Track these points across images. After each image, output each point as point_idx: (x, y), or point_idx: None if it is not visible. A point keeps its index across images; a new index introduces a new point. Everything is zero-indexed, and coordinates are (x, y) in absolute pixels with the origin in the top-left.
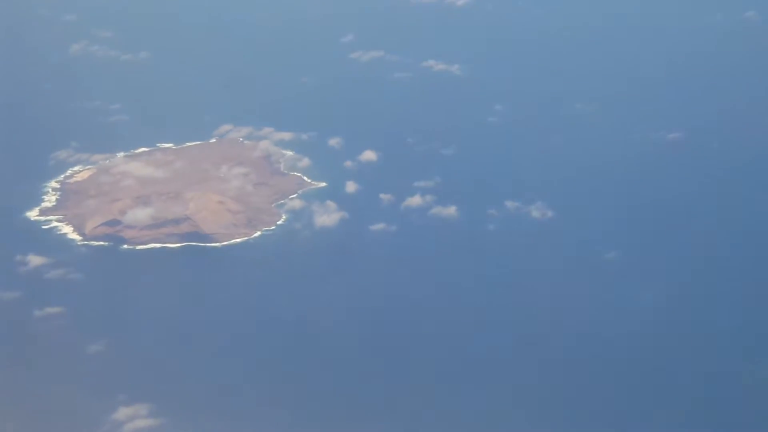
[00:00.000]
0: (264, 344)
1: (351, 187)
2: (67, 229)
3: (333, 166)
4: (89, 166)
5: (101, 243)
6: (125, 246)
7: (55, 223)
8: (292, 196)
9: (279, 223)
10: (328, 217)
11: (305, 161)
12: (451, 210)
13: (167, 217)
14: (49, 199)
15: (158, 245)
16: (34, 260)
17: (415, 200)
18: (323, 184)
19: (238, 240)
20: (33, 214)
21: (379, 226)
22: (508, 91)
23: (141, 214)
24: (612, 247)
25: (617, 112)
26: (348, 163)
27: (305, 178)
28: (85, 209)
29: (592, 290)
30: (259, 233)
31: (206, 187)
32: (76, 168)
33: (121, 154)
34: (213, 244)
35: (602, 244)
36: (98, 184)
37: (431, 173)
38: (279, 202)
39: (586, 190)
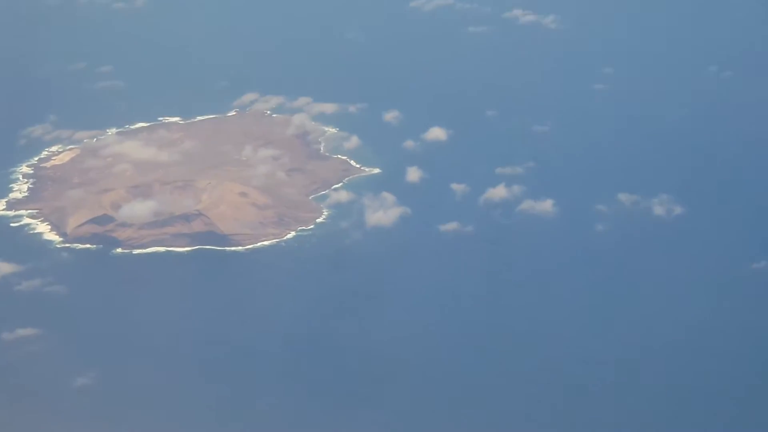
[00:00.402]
0: (300, 383)
1: (413, 174)
2: (43, 228)
3: (389, 148)
4: (71, 147)
5: (87, 246)
6: (119, 250)
7: (27, 220)
8: (335, 186)
9: (319, 221)
10: (383, 213)
11: (353, 141)
12: (547, 205)
13: (173, 213)
14: (20, 189)
15: (161, 249)
16: (2, 268)
17: (499, 192)
18: (377, 171)
19: (265, 243)
20: None
21: (450, 226)
22: (620, 50)
23: (139, 209)
24: (762, 255)
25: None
26: (409, 144)
27: (353, 162)
28: (66, 202)
29: (738, 308)
30: (292, 234)
31: (224, 175)
32: (54, 148)
33: (113, 130)
34: (233, 248)
35: (749, 251)
36: (83, 169)
37: (520, 157)
38: (319, 194)
39: (725, 180)
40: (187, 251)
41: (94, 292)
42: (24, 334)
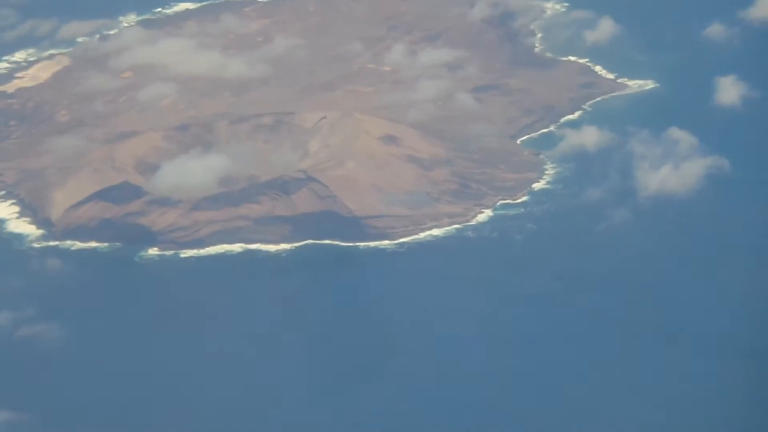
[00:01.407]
0: None
1: (728, 91)
2: (6, 212)
3: (669, 41)
4: (53, 52)
5: (92, 245)
6: (152, 251)
7: None
8: (568, 118)
9: (537, 187)
10: (675, 170)
11: (601, 28)
12: None
13: (256, 178)
14: None
15: (235, 248)
16: None
17: None
18: (650, 85)
19: (435, 233)
20: None
21: None
22: None
23: (191, 172)
24: None
25: None
26: (715, 29)
27: (599, 70)
28: (46, 161)
29: None
30: (486, 216)
31: (350, 101)
32: (20, 56)
33: (132, 18)
34: (371, 245)
35: None
36: (78, 95)
37: None
38: (536, 134)
39: None
40: (283, 251)
41: (111, 346)
42: None
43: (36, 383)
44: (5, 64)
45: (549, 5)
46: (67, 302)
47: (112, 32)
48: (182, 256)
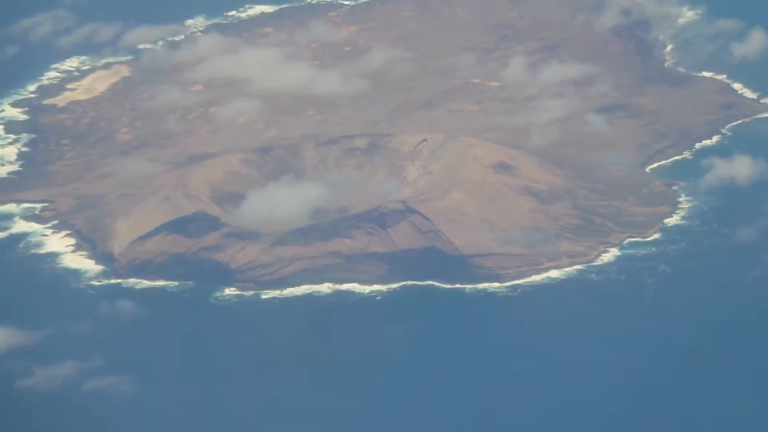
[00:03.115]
0: None
1: None
2: (61, 245)
3: None
4: (110, 60)
5: (162, 284)
6: (229, 291)
7: (23, 226)
8: (704, 143)
9: (671, 223)
10: None
11: (750, 42)
12: None
13: (348, 209)
14: (1, 155)
15: (323, 288)
16: None
17: None
18: None
19: (554, 275)
20: None
21: None
22: None
23: (278, 203)
24: None
25: None
26: None
27: (740, 88)
28: (105, 187)
29: None
30: (612, 255)
31: (456, 122)
32: (71, 64)
33: (201, 21)
34: (480, 287)
35: None
36: (141, 112)
37: None
38: (669, 161)
39: None
40: (378, 293)
41: (189, 401)
42: None
43: None
44: (54, 73)
45: (683, 11)
46: (139, 351)
47: (178, 38)
48: (263, 297)
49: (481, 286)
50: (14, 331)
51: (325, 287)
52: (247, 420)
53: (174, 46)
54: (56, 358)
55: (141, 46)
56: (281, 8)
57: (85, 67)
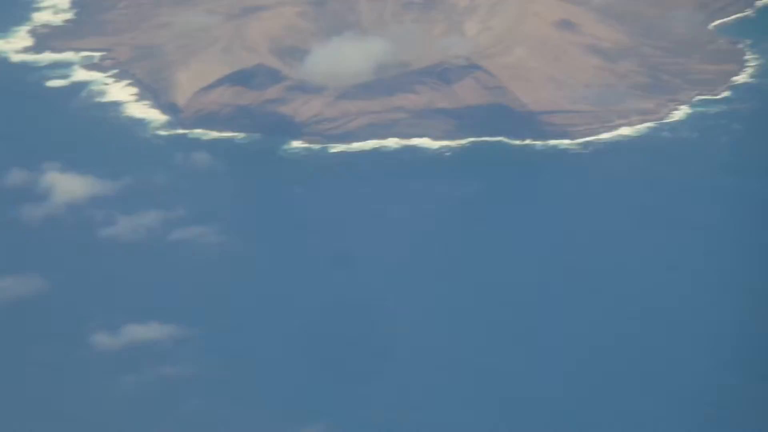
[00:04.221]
0: None
1: None
2: (123, 94)
3: None
4: None
5: (227, 134)
6: (296, 144)
7: (82, 75)
8: None
9: (738, 80)
10: None
11: None
12: None
13: (411, 65)
14: (55, 1)
15: (390, 143)
16: (63, 194)
17: None
18: None
19: (625, 132)
20: (14, 50)
21: None
22: None
23: (341, 57)
24: None
25: None
26: None
27: None
28: (166, 36)
29: None
30: (682, 113)
31: None
32: None
33: None
34: (548, 143)
35: None
36: None
37: None
38: (734, 16)
39: None
40: (447, 149)
41: (277, 253)
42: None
43: (203, 295)
44: None
45: None
46: (218, 202)
47: None
48: (331, 151)
49: (551, 142)
50: (93, 179)
51: (393, 142)
52: (329, 272)
53: None
54: (138, 208)
55: None
56: None
57: None
